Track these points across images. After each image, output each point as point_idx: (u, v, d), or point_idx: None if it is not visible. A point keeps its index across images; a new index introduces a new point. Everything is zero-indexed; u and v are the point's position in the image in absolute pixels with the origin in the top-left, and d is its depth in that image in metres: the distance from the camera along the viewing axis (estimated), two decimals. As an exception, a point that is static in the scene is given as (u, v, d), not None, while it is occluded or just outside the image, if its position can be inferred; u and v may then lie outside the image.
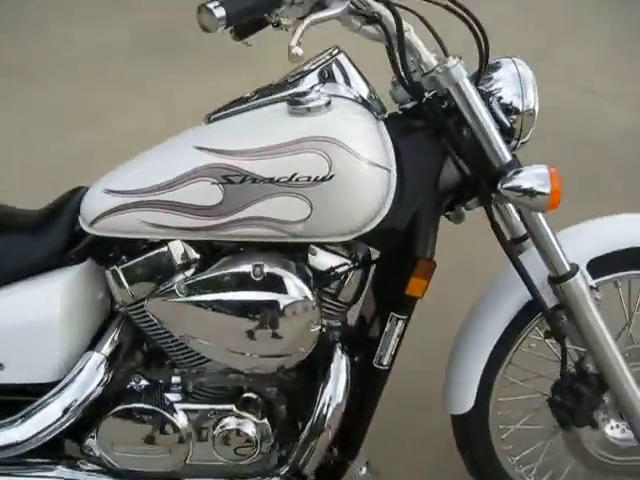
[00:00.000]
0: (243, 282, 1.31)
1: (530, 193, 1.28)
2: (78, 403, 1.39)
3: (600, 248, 1.47)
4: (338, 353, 1.42)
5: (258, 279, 1.30)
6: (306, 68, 1.36)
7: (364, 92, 1.38)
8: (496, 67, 1.41)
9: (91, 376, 1.39)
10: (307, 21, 1.21)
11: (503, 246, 1.39)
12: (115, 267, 1.35)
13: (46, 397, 1.39)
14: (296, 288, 1.31)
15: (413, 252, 1.36)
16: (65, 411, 1.39)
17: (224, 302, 1.32)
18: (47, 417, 1.39)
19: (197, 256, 1.36)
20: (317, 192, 1.25)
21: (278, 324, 1.32)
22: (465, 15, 1.32)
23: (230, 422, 1.43)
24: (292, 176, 1.25)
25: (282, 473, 1.48)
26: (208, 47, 2.97)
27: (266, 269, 1.30)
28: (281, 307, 1.31)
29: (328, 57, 1.37)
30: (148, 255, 1.35)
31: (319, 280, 1.37)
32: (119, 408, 1.41)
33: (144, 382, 1.45)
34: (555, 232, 1.44)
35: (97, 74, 3.89)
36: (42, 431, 1.39)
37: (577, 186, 2.56)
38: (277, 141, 1.26)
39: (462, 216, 1.48)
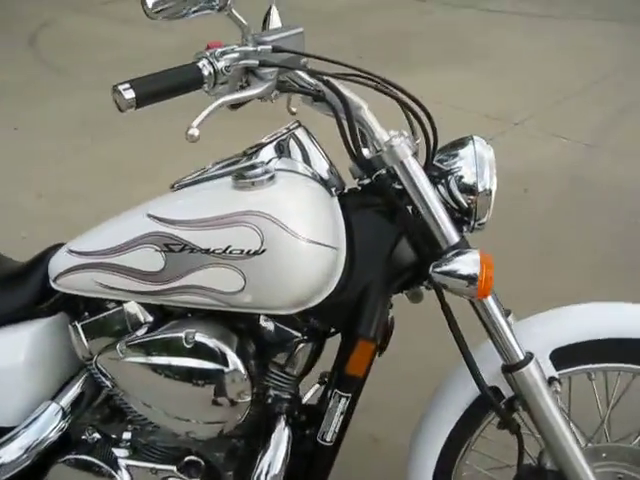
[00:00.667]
0: (175, 347, 1.34)
1: (460, 278, 1.24)
2: (30, 448, 1.45)
3: (566, 338, 1.38)
4: (281, 424, 1.40)
5: (189, 346, 1.32)
6: (263, 141, 1.37)
7: (322, 167, 1.37)
8: (458, 145, 1.39)
9: (46, 424, 1.45)
10: (217, 103, 1.21)
11: (453, 333, 1.34)
12: (76, 323, 1.42)
13: (1, 440, 1.46)
14: (225, 358, 1.32)
15: (355, 331, 1.34)
16: (18, 455, 1.45)
17: (158, 365, 1.35)
18: (11, 449, 1.45)
19: (150, 318, 1.40)
20: (250, 265, 1.27)
21: (206, 392, 1.34)
22: (410, 103, 1.31)
23: None
24: (226, 248, 1.27)
25: None
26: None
27: (197, 337, 1.32)
28: (208, 376, 1.33)
29: (285, 131, 1.37)
30: (105, 314, 1.41)
31: (266, 351, 1.38)
32: (67, 457, 1.46)
33: (96, 435, 1.50)
34: (519, 317, 1.40)
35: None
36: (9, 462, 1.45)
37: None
38: (215, 213, 1.28)
39: (420, 295, 1.44)
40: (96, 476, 1.46)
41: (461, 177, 1.35)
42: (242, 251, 1.26)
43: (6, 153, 4.01)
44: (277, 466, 1.39)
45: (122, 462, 1.47)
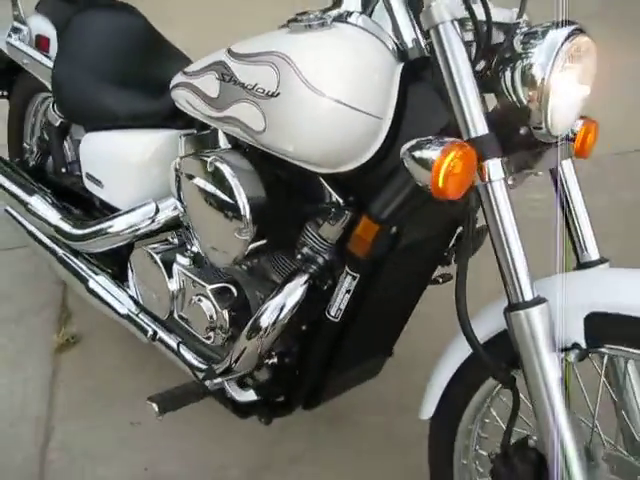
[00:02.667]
0: (203, 169, 1.39)
1: (416, 162, 1.08)
2: (125, 230, 1.68)
3: (616, 304, 1.09)
4: (299, 280, 1.37)
5: (210, 169, 1.37)
6: None
7: (404, 31, 1.20)
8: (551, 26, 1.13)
9: (141, 216, 1.65)
10: None
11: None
12: (181, 134, 1.55)
13: (115, 215, 1.71)
14: (232, 191, 1.34)
15: (366, 206, 1.25)
16: (117, 230, 1.69)
17: (193, 184, 1.44)
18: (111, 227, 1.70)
19: (228, 146, 1.46)
20: (268, 106, 1.23)
21: (212, 217, 1.40)
22: None
23: (199, 298, 1.53)
24: (254, 85, 1.25)
25: (218, 371, 1.51)
26: None
27: (218, 164, 1.35)
28: (216, 203, 1.38)
29: None
30: (198, 133, 1.55)
31: (303, 207, 1.37)
32: (145, 247, 1.65)
33: (175, 240, 1.67)
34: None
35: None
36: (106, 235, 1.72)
37: None
38: (257, 50, 1.27)
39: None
40: (157, 269, 1.62)
41: (530, 65, 1.10)
42: (263, 90, 1.24)
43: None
44: (286, 308, 1.37)
45: (177, 267, 1.60)
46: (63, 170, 2.02)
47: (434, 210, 1.25)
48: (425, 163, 1.06)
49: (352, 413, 1.91)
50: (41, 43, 2.01)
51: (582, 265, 1.29)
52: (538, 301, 1.09)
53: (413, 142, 1.09)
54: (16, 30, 2.11)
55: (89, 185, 1.82)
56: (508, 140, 1.14)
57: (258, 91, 1.24)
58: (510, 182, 1.12)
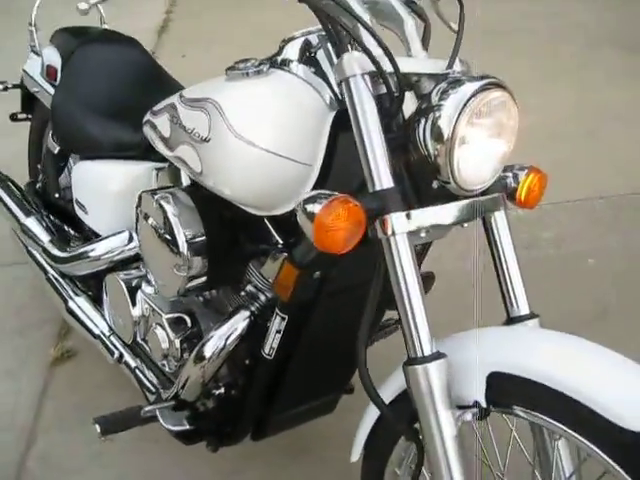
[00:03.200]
0: (152, 206, 1.46)
1: (306, 216, 1.08)
2: (101, 256, 1.79)
3: (515, 365, 1.08)
4: (241, 315, 1.42)
5: (155, 206, 1.44)
6: (295, 34, 1.29)
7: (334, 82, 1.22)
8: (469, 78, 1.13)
9: (115, 243, 1.78)
10: None
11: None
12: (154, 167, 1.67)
13: (94, 241, 1.83)
14: (171, 229, 1.40)
15: (288, 250, 1.30)
16: (95, 256, 1.81)
17: (142, 219, 1.53)
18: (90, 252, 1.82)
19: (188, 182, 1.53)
20: (203, 150, 1.29)
21: (156, 252, 1.48)
22: None
23: (156, 326, 1.61)
24: (192, 129, 1.31)
25: (165, 397, 1.59)
26: None
27: (162, 201, 1.42)
28: (158, 238, 1.45)
29: (315, 29, 1.27)
30: (171, 167, 1.59)
31: (247, 246, 1.42)
32: (114, 274, 1.75)
33: (142, 269, 1.73)
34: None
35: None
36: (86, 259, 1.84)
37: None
38: (197, 95, 1.34)
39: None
40: (123, 296, 1.70)
41: (438, 118, 1.09)
42: (198, 135, 1.29)
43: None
44: (228, 339, 1.43)
45: (141, 295, 1.68)
46: (56, 195, 2.13)
47: (363, 256, 1.27)
48: (310, 216, 1.07)
49: (317, 447, 1.93)
50: (50, 73, 2.13)
51: (511, 320, 1.26)
52: (437, 356, 1.09)
53: (310, 194, 1.10)
54: (31, 60, 2.25)
55: (77, 210, 1.92)
56: (424, 192, 1.15)
57: (195, 135, 1.30)
58: (423, 234, 1.14)
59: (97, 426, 1.49)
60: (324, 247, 1.08)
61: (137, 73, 2.00)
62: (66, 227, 2.09)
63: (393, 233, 1.08)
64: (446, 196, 1.16)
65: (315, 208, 1.06)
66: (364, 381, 1.13)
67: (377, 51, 1.13)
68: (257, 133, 1.23)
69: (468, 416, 1.10)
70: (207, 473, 1.87)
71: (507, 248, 1.26)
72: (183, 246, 1.38)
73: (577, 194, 3.11)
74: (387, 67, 1.13)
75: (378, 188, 1.09)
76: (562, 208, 3.01)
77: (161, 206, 1.41)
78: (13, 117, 2.47)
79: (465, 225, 1.24)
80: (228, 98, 1.27)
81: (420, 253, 1.45)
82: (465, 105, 1.07)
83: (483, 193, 1.20)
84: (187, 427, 1.56)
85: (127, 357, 1.75)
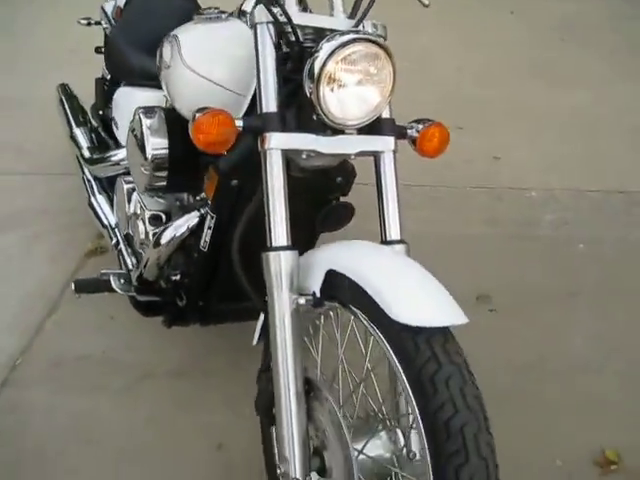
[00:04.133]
0: (134, 116, 1.77)
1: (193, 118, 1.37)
2: (122, 163, 2.16)
3: (344, 265, 1.32)
4: (194, 213, 1.76)
5: (135, 117, 1.76)
6: None
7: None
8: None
9: None
10: None
11: None
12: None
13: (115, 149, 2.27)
14: (141, 134, 1.71)
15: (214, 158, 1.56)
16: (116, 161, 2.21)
17: (130, 127, 1.81)
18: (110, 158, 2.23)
19: None
20: (166, 75, 1.63)
21: (132, 154, 1.80)
22: None
23: (140, 219, 1.95)
24: (163, 59, 1.64)
25: (133, 274, 1.94)
26: None
27: (141, 114, 1.73)
28: (134, 141, 1.75)
29: None
30: None
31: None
32: (121, 177, 2.14)
33: None
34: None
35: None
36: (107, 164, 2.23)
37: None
38: (174, 32, 1.66)
39: None
40: (121, 194, 2.10)
41: (314, 60, 1.33)
42: (166, 63, 1.62)
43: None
44: (174, 234, 1.77)
45: (134, 195, 2.02)
46: (100, 112, 2.54)
47: None
48: (194, 121, 1.37)
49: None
50: (117, 13, 2.55)
51: (384, 243, 1.49)
52: (289, 248, 1.37)
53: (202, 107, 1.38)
54: (108, 1, 2.69)
55: (113, 126, 2.33)
56: (305, 122, 1.41)
57: (164, 63, 1.65)
58: (304, 156, 1.42)
59: (73, 284, 1.88)
60: (200, 145, 1.37)
61: (180, 18, 2.36)
62: (110, 142, 2.50)
63: (269, 148, 1.38)
64: (333, 130, 1.42)
65: (197, 115, 1.36)
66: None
67: (293, 9, 1.44)
68: (203, 65, 1.56)
69: (302, 300, 1.35)
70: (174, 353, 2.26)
71: (389, 184, 1.50)
72: (149, 152, 1.70)
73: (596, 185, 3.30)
74: (299, 21, 1.43)
75: (264, 111, 1.38)
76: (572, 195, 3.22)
77: (140, 119, 1.74)
78: (97, 50, 2.91)
79: (352, 157, 1.49)
80: (186, 35, 1.61)
81: (343, 185, 1.70)
82: (333, 52, 1.32)
83: (375, 134, 1.47)
84: (145, 300, 1.93)
85: (121, 244, 2.15)
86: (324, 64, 1.33)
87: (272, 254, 1.37)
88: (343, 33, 1.37)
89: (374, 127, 1.48)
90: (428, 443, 1.16)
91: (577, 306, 2.56)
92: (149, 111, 1.76)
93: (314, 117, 1.40)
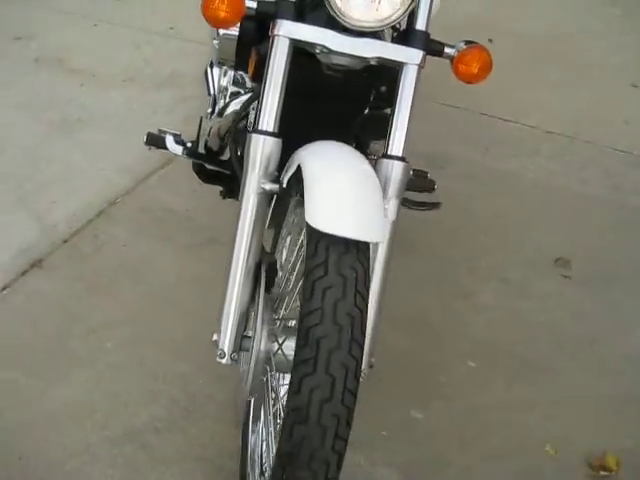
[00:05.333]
0: None
1: None
2: None
3: None
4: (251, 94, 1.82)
5: None
6: None
7: None
8: None
9: None
10: None
11: None
12: None
13: None
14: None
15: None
16: None
17: None
18: None
19: None
20: None
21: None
22: None
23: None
24: None
25: (202, 146, 2.05)
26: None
27: None
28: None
29: None
30: None
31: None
32: None
33: None
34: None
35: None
36: None
37: None
38: None
39: None
40: None
41: None
42: None
43: None
44: (233, 108, 1.96)
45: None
46: None
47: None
48: None
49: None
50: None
51: (383, 155, 1.46)
52: (273, 134, 1.42)
53: None
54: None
55: None
56: (320, 17, 1.40)
57: None
58: (317, 51, 1.42)
59: (144, 136, 2.05)
60: (207, 19, 1.41)
61: None
62: None
63: (277, 35, 1.40)
64: (348, 30, 1.40)
65: None
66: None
67: None
68: None
69: (268, 186, 1.42)
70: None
71: (405, 98, 1.46)
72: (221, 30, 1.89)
73: None
74: None
75: None
76: None
77: None
78: None
79: (372, 62, 1.45)
80: None
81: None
82: None
83: (401, 44, 1.43)
84: (207, 169, 2.07)
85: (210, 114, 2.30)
86: None
87: (255, 136, 1.43)
88: None
89: (404, 37, 1.46)
90: (295, 348, 1.18)
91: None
92: None
93: (330, 13, 1.38)
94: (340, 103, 1.67)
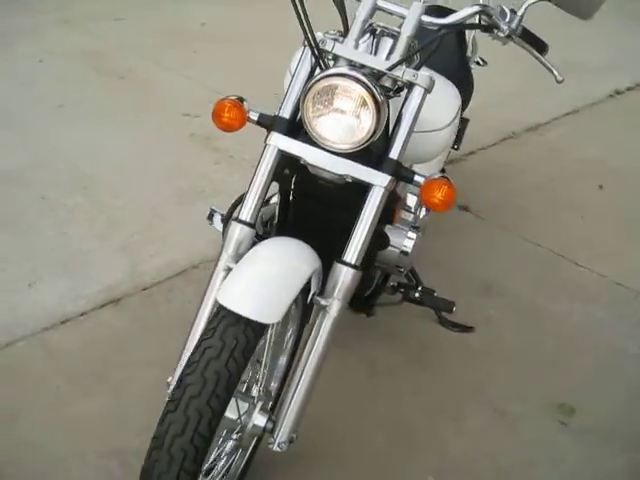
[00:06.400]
0: None
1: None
2: None
3: None
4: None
5: None
6: None
7: None
8: None
9: None
10: None
11: None
12: None
13: None
14: None
15: None
16: None
17: None
18: None
19: None
20: None
21: None
22: None
23: None
24: None
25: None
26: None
27: None
28: None
29: None
30: None
31: None
32: None
33: None
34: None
35: None
36: None
37: None
38: None
39: None
40: None
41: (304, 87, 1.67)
42: None
43: None
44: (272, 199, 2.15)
45: None
46: None
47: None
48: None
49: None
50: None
51: (339, 260, 1.71)
52: (246, 224, 1.72)
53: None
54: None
55: None
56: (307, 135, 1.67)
57: None
58: (302, 162, 1.70)
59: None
60: (217, 125, 1.78)
61: None
62: None
63: (268, 143, 1.72)
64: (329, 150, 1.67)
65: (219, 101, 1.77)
66: None
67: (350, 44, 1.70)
68: None
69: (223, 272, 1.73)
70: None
71: (367, 215, 1.68)
72: None
73: None
74: (338, 52, 1.68)
75: (279, 114, 1.73)
76: None
77: None
78: None
79: (348, 179, 1.69)
80: None
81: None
82: (314, 83, 1.60)
83: (371, 166, 1.67)
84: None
85: None
86: (310, 87, 1.61)
87: (234, 223, 1.72)
88: (338, 67, 1.63)
89: (377, 161, 1.69)
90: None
91: None
92: None
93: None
94: (336, 210, 1.86)
